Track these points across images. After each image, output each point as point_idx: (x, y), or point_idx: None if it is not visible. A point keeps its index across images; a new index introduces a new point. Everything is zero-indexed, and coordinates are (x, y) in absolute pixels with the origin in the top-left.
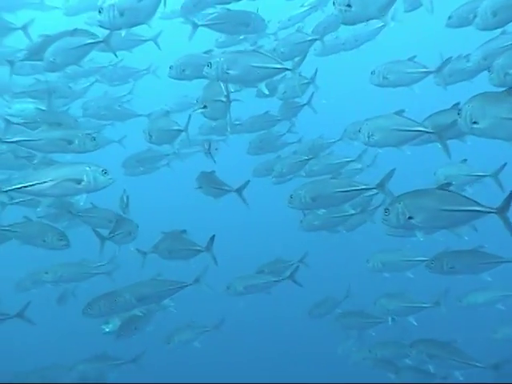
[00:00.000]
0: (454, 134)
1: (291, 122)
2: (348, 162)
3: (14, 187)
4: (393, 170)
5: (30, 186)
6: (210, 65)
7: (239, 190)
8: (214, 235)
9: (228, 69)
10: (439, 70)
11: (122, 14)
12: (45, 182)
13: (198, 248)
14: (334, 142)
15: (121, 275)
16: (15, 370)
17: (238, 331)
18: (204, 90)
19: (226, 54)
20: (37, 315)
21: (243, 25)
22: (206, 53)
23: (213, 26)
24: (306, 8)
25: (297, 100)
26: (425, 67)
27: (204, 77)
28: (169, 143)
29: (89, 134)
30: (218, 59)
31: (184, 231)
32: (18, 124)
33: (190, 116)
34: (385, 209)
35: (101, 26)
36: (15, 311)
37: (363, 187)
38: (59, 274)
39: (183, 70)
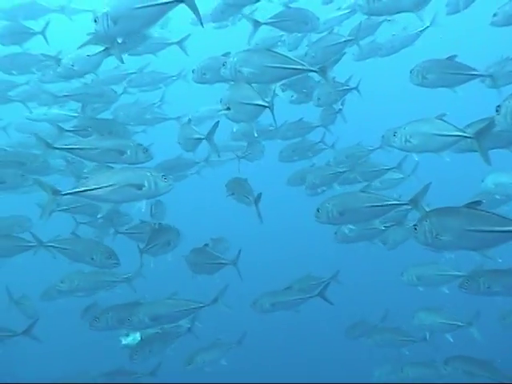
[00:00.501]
0: (501, 142)
1: (327, 129)
2: (386, 170)
3: (74, 190)
4: (428, 185)
5: (91, 190)
6: (225, 64)
7: (256, 202)
8: (240, 250)
9: (241, 68)
10: (492, 73)
11: (115, 23)
12: (106, 187)
13: (224, 261)
14: (372, 149)
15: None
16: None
17: (261, 349)
18: (229, 90)
19: (239, 53)
20: (51, 325)
21: (303, 23)
22: (224, 55)
23: (275, 24)
24: (344, 12)
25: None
26: (471, 69)
27: (223, 80)
28: (191, 151)
29: (140, 145)
30: (232, 59)
31: (207, 245)
32: (70, 131)
33: (216, 123)
34: (414, 225)
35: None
36: (22, 328)
37: (395, 202)
38: (76, 283)
39: (204, 74)
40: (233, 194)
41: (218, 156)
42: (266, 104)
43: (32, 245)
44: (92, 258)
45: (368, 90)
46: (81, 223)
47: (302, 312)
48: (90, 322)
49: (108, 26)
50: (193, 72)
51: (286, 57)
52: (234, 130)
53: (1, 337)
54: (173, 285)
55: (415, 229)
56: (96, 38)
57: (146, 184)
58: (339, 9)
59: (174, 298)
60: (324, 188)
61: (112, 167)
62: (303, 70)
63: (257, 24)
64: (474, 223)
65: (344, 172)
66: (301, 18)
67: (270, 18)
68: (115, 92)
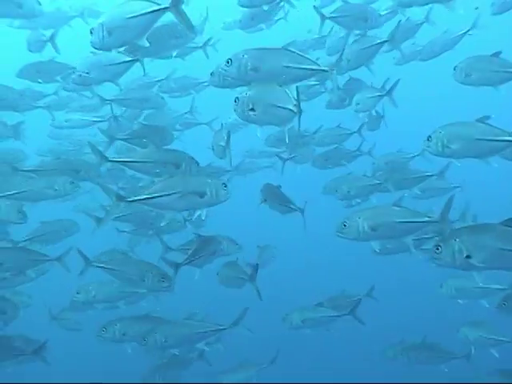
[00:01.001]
0: None
1: (361, 135)
2: (427, 176)
3: (138, 198)
4: (451, 198)
5: (156, 197)
6: (229, 61)
7: (302, 211)
8: (257, 264)
9: (253, 67)
10: None
11: (110, 34)
12: (170, 195)
13: (244, 277)
14: (413, 156)
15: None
16: None
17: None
18: (254, 89)
19: (250, 51)
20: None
21: (362, 19)
22: None
23: (337, 20)
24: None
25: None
26: None
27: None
28: (222, 158)
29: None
30: (240, 55)
31: (236, 260)
32: (121, 139)
33: (228, 129)
34: (435, 245)
35: (94, 47)
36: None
37: (427, 220)
38: (93, 293)
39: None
40: (265, 200)
41: (230, 164)
42: (294, 110)
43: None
44: (143, 280)
45: (404, 93)
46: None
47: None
48: (96, 332)
49: (103, 36)
50: (211, 75)
51: (302, 56)
52: (258, 134)
53: (11, 355)
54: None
55: (437, 249)
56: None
57: (208, 192)
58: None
59: (192, 318)
60: (358, 200)
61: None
62: (317, 70)
63: (323, 17)
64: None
65: (382, 183)
66: (360, 14)
67: (332, 13)
68: (162, 98)
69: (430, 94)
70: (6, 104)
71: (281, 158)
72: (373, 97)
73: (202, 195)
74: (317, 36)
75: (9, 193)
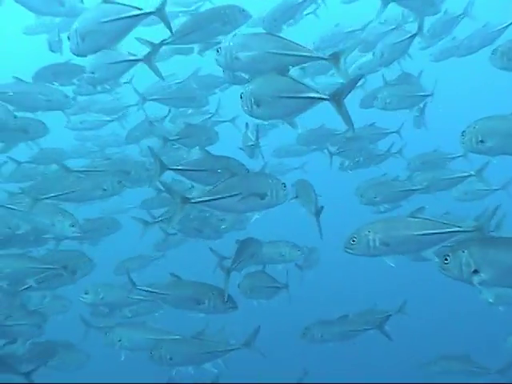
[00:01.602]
0: None
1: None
2: (465, 176)
3: (202, 199)
4: (497, 208)
5: (219, 199)
6: (219, 50)
7: (317, 215)
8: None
9: (238, 55)
10: None
11: (83, 39)
12: (233, 196)
13: (278, 285)
14: (453, 157)
15: None
16: None
17: None
18: (256, 82)
19: (236, 37)
20: None
21: (429, 4)
22: None
23: (401, 2)
24: None
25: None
26: None
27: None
28: (252, 158)
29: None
30: (226, 43)
31: (263, 269)
32: (173, 140)
33: (257, 127)
34: (445, 255)
35: (72, 53)
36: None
37: (455, 229)
38: (101, 295)
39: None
40: (297, 197)
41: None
42: (326, 96)
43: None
44: (203, 303)
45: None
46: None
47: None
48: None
49: (77, 43)
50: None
51: (291, 42)
52: (299, 131)
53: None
54: None
55: (446, 260)
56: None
57: (269, 193)
58: None
59: (201, 336)
60: (387, 206)
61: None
62: (310, 57)
63: (385, 1)
64: None
65: (417, 190)
66: None
67: None
68: (206, 97)
69: (463, 90)
70: (52, 105)
71: (329, 151)
72: (411, 96)
73: (263, 197)
74: (349, 29)
75: (57, 193)
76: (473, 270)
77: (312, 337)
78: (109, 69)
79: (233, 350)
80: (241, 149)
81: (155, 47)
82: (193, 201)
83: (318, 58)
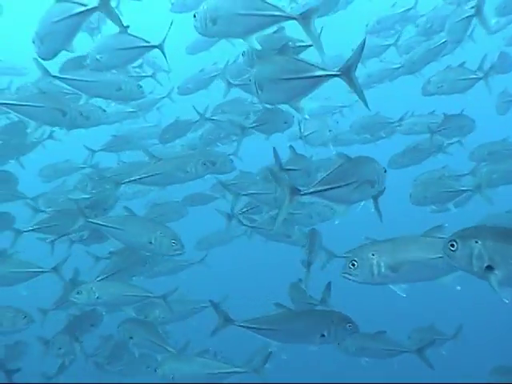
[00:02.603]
0: None
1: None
2: None
3: (314, 190)
4: None
5: (333, 188)
6: (196, 16)
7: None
8: (329, 283)
9: (210, 19)
10: None
11: (42, 42)
12: (348, 185)
13: (314, 302)
14: None
15: None
16: None
17: None
18: (259, 65)
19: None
20: None
21: None
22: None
23: None
24: None
25: None
26: None
27: None
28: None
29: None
30: (202, 7)
31: (300, 280)
32: (252, 128)
33: (299, 123)
34: (451, 240)
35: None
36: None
37: None
38: (96, 295)
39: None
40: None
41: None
42: (336, 72)
43: None
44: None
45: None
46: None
47: None
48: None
49: (38, 46)
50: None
51: (265, 2)
52: (307, 117)
53: None
54: None
55: (452, 246)
56: None
57: (377, 179)
58: None
59: (206, 356)
60: (433, 207)
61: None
62: (282, 16)
63: None
64: None
65: (472, 190)
66: None
67: None
68: None
69: None
70: (122, 94)
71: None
72: (464, 79)
73: (372, 184)
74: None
75: (140, 176)
76: (486, 265)
77: (346, 349)
78: (116, 53)
79: (242, 372)
80: (290, 146)
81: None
82: (303, 192)
83: (288, 17)
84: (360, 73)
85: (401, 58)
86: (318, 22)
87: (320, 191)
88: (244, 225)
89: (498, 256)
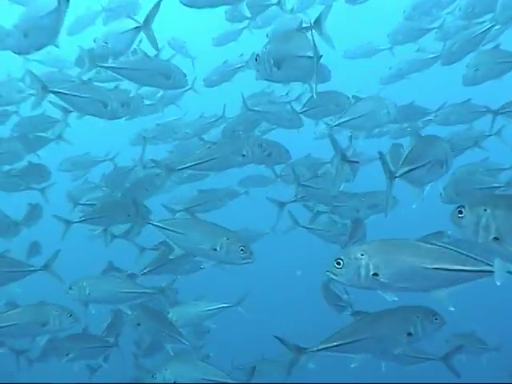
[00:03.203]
0: None
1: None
2: None
3: (404, 171)
4: None
5: (417, 168)
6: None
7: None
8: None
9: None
10: None
11: (26, 36)
12: (426, 165)
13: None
14: None
15: None
16: None
17: None
18: (275, 42)
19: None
20: None
21: None
22: None
23: None
24: None
25: None
26: None
27: None
28: None
29: None
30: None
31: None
32: (301, 113)
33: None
34: (459, 206)
35: (13, 52)
36: None
37: (484, 268)
38: (87, 291)
39: None
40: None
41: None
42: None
43: None
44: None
45: None
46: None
47: None
48: None
49: (19, 39)
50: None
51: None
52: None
53: None
54: None
55: (460, 212)
56: None
57: (446, 159)
58: None
59: (206, 361)
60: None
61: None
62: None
63: None
64: None
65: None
66: None
67: None
68: None
69: None
70: (171, 83)
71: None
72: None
73: (442, 164)
74: None
75: (196, 162)
76: (493, 236)
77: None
78: (121, 39)
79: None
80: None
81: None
82: (397, 175)
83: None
84: (390, 62)
85: (437, 45)
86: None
87: (408, 171)
88: (302, 226)
89: (507, 228)
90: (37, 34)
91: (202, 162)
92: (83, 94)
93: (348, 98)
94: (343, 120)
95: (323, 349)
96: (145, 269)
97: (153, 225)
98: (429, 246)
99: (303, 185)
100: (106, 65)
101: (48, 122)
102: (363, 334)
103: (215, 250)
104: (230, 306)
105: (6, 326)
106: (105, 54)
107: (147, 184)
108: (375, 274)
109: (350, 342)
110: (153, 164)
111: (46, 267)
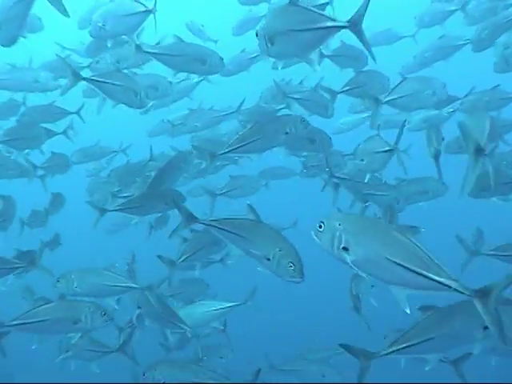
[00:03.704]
0: None
1: None
2: None
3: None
4: None
5: None
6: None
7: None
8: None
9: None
10: None
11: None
12: None
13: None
14: None
15: None
16: None
17: None
18: (268, 18)
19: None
20: None
21: None
22: None
23: None
24: None
25: None
26: None
27: None
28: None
29: None
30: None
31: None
32: (342, 92)
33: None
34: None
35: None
36: None
37: (446, 284)
38: (74, 284)
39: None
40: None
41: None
42: (344, 24)
43: None
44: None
45: None
46: None
47: None
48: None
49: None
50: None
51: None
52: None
53: None
54: None
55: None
56: None
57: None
58: None
59: (200, 363)
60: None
61: None
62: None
63: None
64: None
65: None
66: None
67: None
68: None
69: None
70: (207, 68)
71: None
72: None
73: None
74: None
75: (237, 145)
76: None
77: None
78: (121, 20)
79: None
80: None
81: None
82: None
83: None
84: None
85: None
86: None
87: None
88: None
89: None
90: (9, 26)
91: (245, 144)
92: (116, 82)
93: (388, 78)
94: (391, 98)
95: (393, 351)
96: (182, 256)
97: (205, 224)
98: (402, 238)
99: (336, 176)
100: (150, 50)
101: (56, 112)
102: (436, 331)
103: (268, 259)
104: (238, 305)
105: (36, 321)
106: (102, 37)
107: (181, 163)
108: (345, 248)
109: (422, 342)
110: (194, 150)
111: (31, 263)
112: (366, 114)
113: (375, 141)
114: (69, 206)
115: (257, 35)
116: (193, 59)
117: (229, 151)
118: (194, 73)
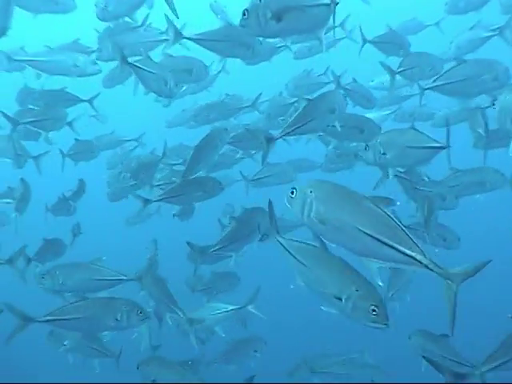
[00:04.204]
0: None
1: None
2: None
3: None
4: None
5: None
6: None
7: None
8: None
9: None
10: None
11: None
12: None
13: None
14: None
15: None
16: None
17: None
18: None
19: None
20: None
21: None
22: None
23: None
24: None
25: None
26: None
27: None
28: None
29: None
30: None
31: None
32: (398, 73)
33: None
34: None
35: None
36: None
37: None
38: (60, 280)
39: None
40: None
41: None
42: None
43: None
44: None
45: None
46: None
47: None
48: None
49: None
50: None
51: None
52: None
53: None
54: None
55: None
56: None
57: None
58: None
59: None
60: None
61: None
62: None
63: None
64: None
65: None
66: None
67: None
68: None
69: None
70: (251, 53)
71: None
72: None
73: None
74: None
75: (295, 126)
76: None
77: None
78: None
79: None
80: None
81: None
82: None
83: None
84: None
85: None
86: None
87: None
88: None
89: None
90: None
91: (302, 125)
92: (152, 70)
93: (441, 60)
94: (437, 84)
95: (494, 368)
96: (215, 246)
97: (278, 241)
98: (375, 209)
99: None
100: (188, 36)
101: (68, 98)
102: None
103: (339, 299)
104: (241, 308)
105: (71, 318)
106: (105, 18)
107: (217, 140)
108: (316, 218)
109: None
110: (248, 134)
111: (9, 262)
112: (388, 111)
113: (410, 134)
114: (89, 197)
115: (244, 14)
116: (239, 44)
117: (286, 134)
118: (238, 58)
